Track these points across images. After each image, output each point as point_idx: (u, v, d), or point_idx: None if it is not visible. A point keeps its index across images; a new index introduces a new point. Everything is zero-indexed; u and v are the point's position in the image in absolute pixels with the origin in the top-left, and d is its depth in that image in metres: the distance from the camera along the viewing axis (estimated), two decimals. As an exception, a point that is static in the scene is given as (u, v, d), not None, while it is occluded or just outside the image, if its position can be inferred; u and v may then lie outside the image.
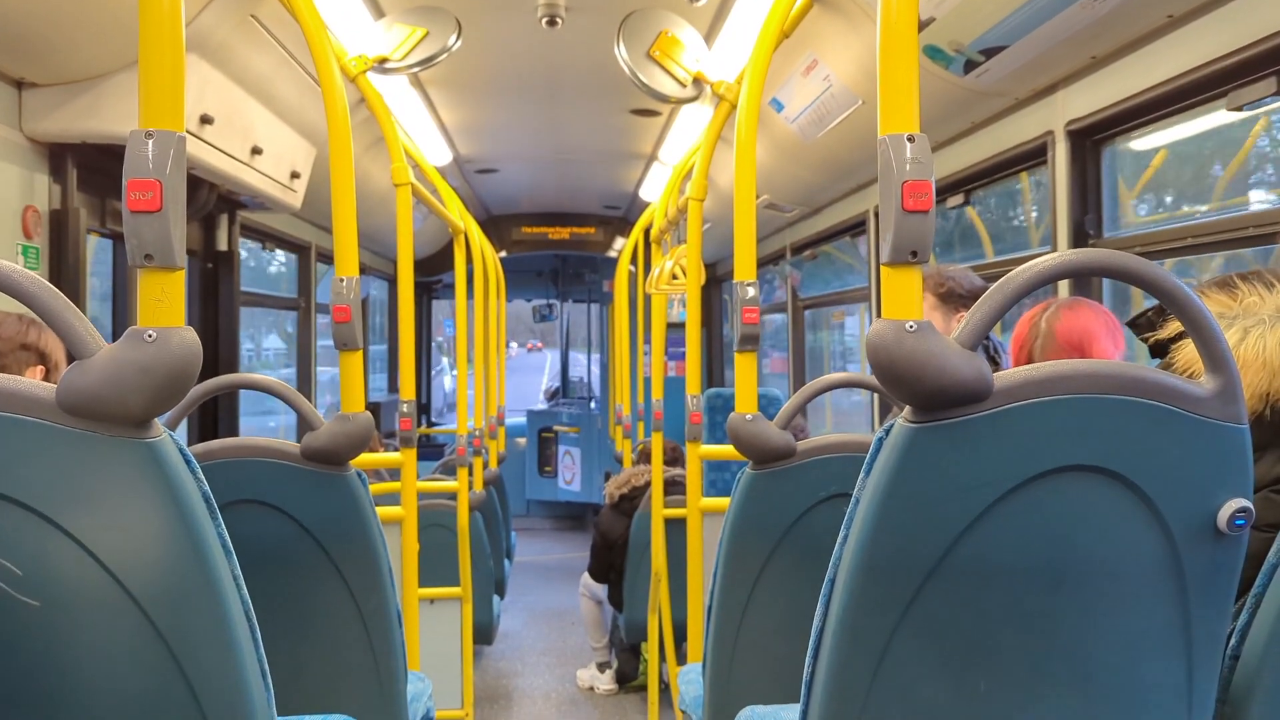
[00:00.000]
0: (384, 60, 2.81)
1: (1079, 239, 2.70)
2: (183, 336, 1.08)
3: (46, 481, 1.03)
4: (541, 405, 10.58)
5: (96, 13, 2.35)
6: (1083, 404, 1.06)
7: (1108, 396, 1.06)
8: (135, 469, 1.05)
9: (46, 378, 1.97)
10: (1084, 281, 2.69)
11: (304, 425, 1.92)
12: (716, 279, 8.01)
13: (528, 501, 9.17)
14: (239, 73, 3.12)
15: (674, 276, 4.39)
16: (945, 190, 3.52)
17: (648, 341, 6.57)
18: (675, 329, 6.74)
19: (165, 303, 1.10)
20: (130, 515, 1.05)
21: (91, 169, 2.92)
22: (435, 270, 8.23)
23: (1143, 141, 2.69)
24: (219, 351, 4.16)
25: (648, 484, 4.42)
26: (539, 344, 29.94)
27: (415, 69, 2.87)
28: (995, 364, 2.31)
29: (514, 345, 27.95)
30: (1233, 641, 1.17)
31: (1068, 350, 1.85)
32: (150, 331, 1.06)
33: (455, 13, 2.91)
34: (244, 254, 4.52)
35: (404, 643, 1.99)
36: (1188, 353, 1.42)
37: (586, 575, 4.88)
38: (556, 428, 8.91)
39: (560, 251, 8.76)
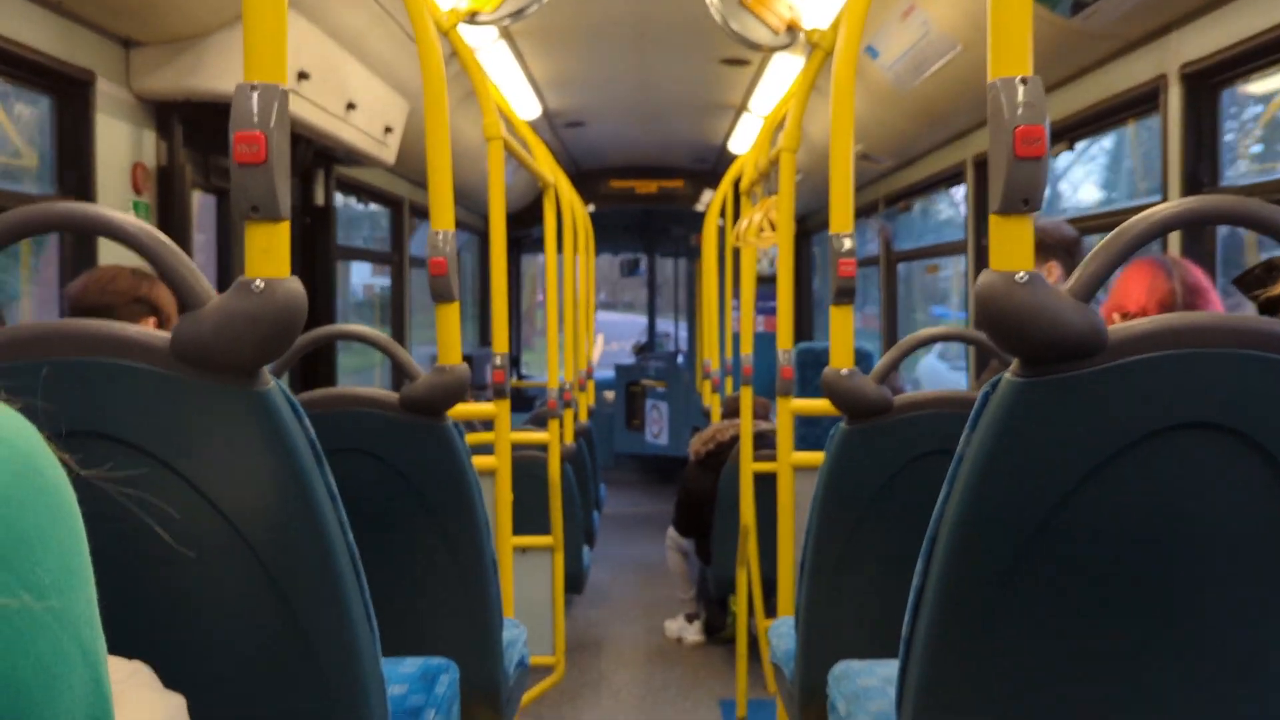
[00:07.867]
0: (475, 12, 2.81)
1: (1192, 189, 2.59)
2: (288, 286, 1.10)
3: (161, 427, 1.07)
4: (629, 360, 10.63)
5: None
6: (1202, 358, 1.01)
7: (1229, 350, 1.01)
8: (245, 417, 1.08)
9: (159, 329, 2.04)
10: (1196, 234, 2.58)
11: (399, 377, 1.95)
12: (805, 232, 7.89)
13: (615, 455, 9.24)
14: (334, 28, 3.15)
15: (761, 230, 4.32)
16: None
17: (735, 296, 6.50)
18: (764, 283, 6.66)
19: (271, 253, 1.11)
20: (241, 461, 1.08)
21: (195, 126, 3.00)
22: (523, 225, 8.27)
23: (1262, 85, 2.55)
24: (317, 304, 4.25)
25: (733, 439, 4.40)
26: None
27: (507, 21, 2.86)
28: None
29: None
30: None
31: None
32: (258, 282, 1.08)
33: (546, -38, 2.89)
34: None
35: (499, 590, 2.03)
36: None
37: (672, 529, 4.90)
38: (645, 381, 8.94)
39: (647, 206, 8.72)
